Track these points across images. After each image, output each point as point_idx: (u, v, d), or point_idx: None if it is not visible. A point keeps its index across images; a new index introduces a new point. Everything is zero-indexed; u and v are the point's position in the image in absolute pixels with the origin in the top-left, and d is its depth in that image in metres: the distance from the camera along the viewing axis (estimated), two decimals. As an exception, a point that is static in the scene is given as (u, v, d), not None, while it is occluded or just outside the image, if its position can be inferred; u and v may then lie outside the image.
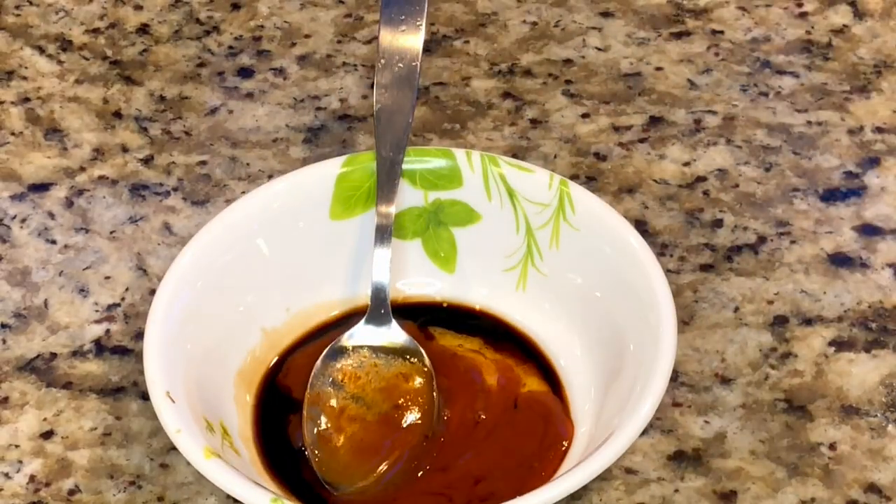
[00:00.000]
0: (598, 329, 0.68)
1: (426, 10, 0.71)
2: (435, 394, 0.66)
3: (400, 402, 0.66)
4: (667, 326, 0.63)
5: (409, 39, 0.70)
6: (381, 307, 0.68)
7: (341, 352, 0.68)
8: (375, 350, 0.68)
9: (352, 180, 0.70)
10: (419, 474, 0.65)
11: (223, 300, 0.68)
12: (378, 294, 0.68)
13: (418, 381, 0.67)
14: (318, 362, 0.67)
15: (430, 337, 0.70)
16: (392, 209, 0.69)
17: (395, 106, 0.70)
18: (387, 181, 0.69)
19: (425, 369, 0.67)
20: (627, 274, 0.66)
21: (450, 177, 0.71)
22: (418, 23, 0.70)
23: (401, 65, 0.70)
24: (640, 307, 0.65)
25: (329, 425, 0.66)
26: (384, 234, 0.69)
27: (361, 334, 0.68)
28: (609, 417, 0.64)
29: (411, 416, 0.66)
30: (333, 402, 0.66)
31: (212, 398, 0.65)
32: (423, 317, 0.71)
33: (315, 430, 0.65)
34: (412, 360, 0.67)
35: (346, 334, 0.68)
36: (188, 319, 0.66)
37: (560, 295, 0.70)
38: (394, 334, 0.68)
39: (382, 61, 0.70)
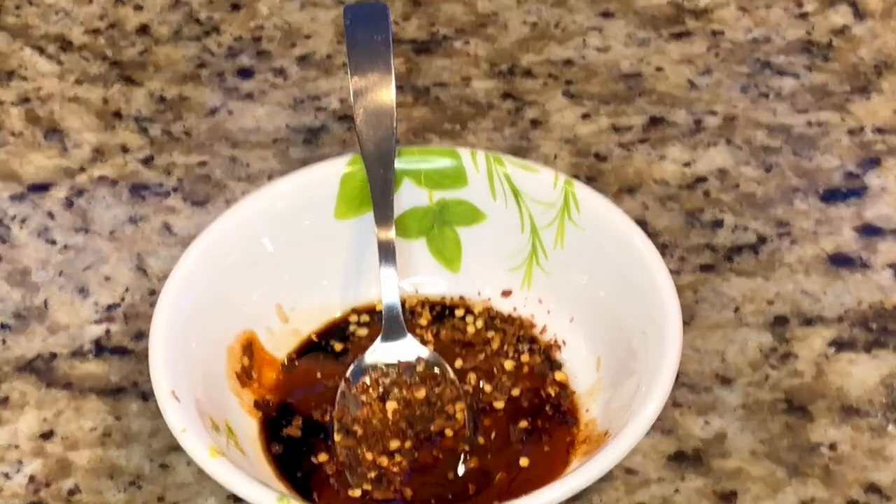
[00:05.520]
0: (603, 328, 0.68)
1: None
2: (463, 402, 0.67)
3: (430, 415, 0.66)
4: (672, 326, 0.63)
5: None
6: (395, 324, 0.68)
7: (364, 371, 0.68)
8: (396, 366, 0.68)
9: (356, 180, 0.70)
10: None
11: (228, 299, 0.68)
12: (390, 313, 0.68)
13: (446, 391, 0.67)
14: (343, 383, 0.67)
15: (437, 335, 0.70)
16: (391, 232, 0.68)
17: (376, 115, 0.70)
18: (382, 201, 0.69)
19: (449, 377, 0.67)
20: (632, 273, 0.66)
21: (455, 176, 0.71)
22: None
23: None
24: (645, 307, 0.65)
25: (361, 443, 0.66)
26: (387, 253, 0.68)
27: (381, 351, 0.68)
28: (614, 417, 0.64)
29: (444, 428, 0.66)
30: (363, 420, 0.66)
31: (217, 397, 0.65)
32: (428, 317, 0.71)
33: (347, 448, 0.65)
34: (434, 369, 0.67)
35: (367, 352, 0.68)
36: (193, 318, 0.66)
37: (565, 294, 0.70)
38: (411, 348, 0.68)
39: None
